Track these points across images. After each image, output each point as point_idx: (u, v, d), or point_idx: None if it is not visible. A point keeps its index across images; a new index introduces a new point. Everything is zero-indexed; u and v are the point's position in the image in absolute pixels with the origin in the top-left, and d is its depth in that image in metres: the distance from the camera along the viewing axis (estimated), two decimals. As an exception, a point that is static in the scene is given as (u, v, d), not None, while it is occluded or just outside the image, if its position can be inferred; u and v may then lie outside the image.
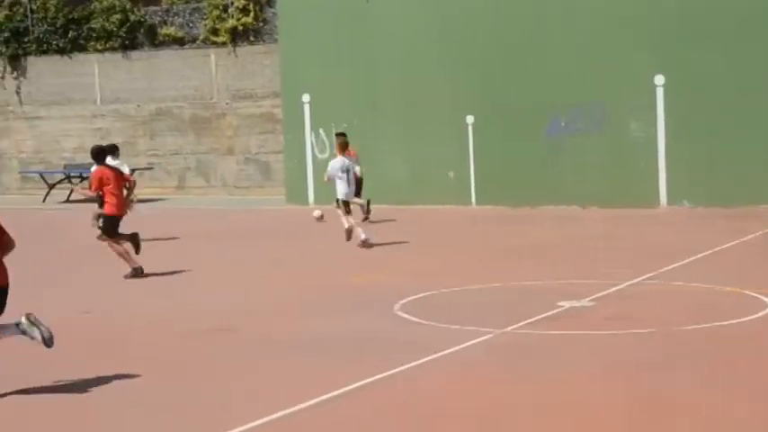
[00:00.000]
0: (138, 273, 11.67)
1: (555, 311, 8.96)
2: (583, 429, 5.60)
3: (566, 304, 9.23)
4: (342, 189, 14.21)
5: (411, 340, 7.89)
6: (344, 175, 14.22)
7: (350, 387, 6.42)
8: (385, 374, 6.74)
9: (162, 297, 10.46)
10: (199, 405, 6.16)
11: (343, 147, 14.70)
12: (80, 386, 6.69)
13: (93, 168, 12.46)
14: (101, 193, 11.92)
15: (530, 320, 8.54)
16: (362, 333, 8.23)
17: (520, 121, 19.78)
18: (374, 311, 9.12)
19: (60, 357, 7.47)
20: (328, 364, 7.18)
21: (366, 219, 16.74)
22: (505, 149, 19.97)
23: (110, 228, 11.87)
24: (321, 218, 17.16)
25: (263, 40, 25.34)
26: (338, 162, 14.37)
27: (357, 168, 15.11)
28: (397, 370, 6.87)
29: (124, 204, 12.27)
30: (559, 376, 6.72)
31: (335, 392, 6.27)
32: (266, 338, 8.11)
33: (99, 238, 12.36)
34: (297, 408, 5.96)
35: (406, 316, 8.89)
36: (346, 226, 14.18)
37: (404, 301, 9.54)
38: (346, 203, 14.30)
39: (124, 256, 11.76)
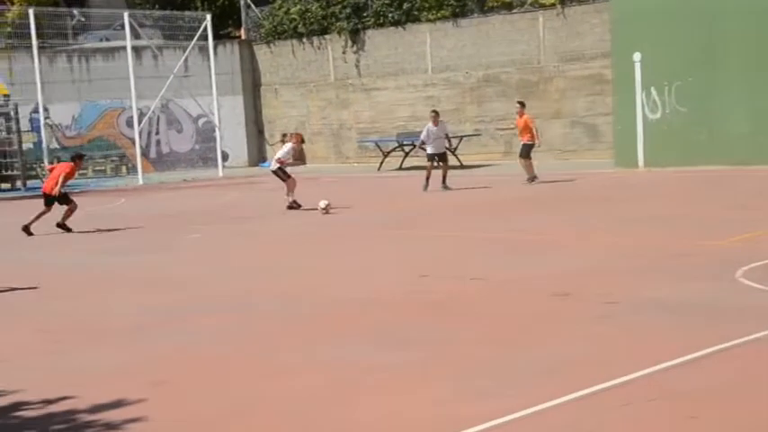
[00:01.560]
0: (26, 230, 14.96)
1: None
2: None
3: None
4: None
5: (759, 309, 7.31)
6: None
7: (697, 354, 6.06)
8: (733, 343, 6.29)
9: (505, 261, 10.55)
10: (559, 363, 6.11)
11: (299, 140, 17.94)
12: (436, 344, 6.94)
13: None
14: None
15: None
16: (704, 299, 7.76)
17: None
18: (716, 277, 8.58)
19: (411, 318, 7.83)
20: (672, 329, 6.85)
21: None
22: None
23: (45, 200, 15.53)
24: (327, 208, 15.74)
25: (593, -1, 24.72)
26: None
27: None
28: (744, 339, 6.38)
29: (52, 186, 15.36)
30: None
31: (680, 359, 5.96)
32: (607, 301, 7.90)
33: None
34: (659, 367, 5.77)
35: (749, 283, 8.26)
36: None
37: (746, 267, 8.87)
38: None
39: (38, 217, 15.14)
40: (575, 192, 17.63)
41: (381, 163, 26.74)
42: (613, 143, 22.31)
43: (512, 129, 23.30)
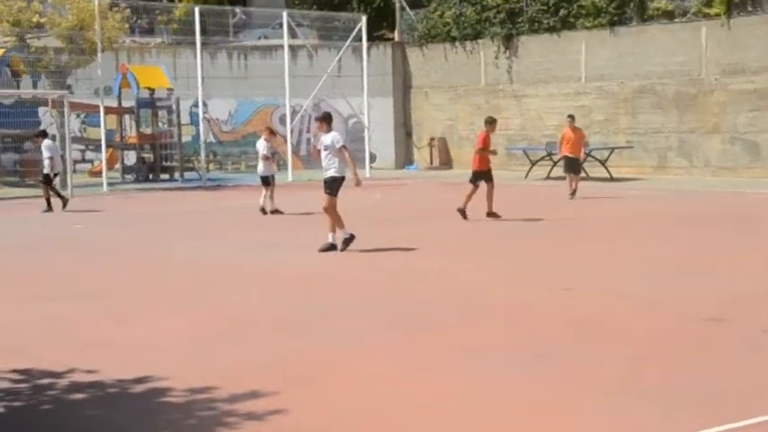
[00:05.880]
0: (462, 212, 15.55)
1: None
2: None
3: None
4: (259, 167, 17.71)
5: None
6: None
7: None
8: None
9: (650, 281, 10.19)
10: (712, 391, 5.85)
11: (270, 132, 18.05)
12: (565, 368, 6.77)
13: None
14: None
15: None
16: None
17: None
18: None
19: (545, 334, 7.67)
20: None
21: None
22: None
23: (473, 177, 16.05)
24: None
25: (763, 9, 23.58)
26: (259, 143, 17.86)
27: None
28: None
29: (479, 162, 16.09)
30: None
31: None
32: (765, 329, 7.50)
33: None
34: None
35: None
36: (260, 201, 17.27)
37: None
38: (263, 179, 17.43)
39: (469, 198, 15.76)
40: (736, 211, 16.85)
41: (529, 171, 26.38)
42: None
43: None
